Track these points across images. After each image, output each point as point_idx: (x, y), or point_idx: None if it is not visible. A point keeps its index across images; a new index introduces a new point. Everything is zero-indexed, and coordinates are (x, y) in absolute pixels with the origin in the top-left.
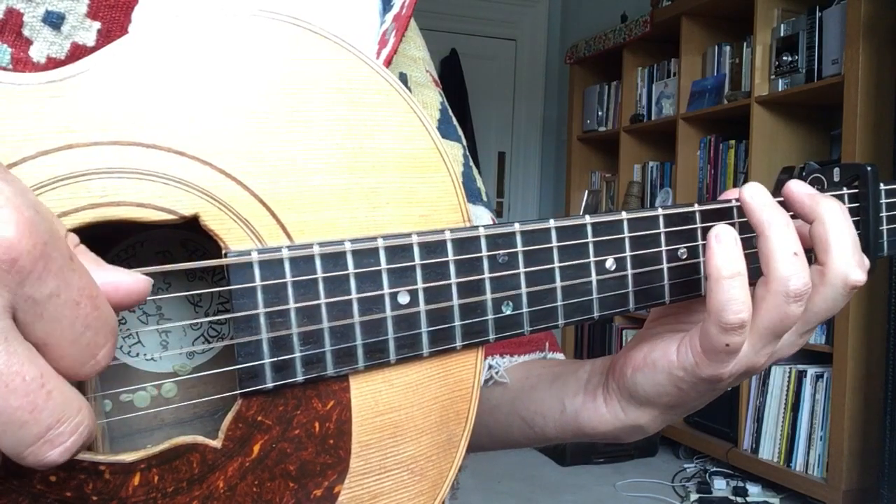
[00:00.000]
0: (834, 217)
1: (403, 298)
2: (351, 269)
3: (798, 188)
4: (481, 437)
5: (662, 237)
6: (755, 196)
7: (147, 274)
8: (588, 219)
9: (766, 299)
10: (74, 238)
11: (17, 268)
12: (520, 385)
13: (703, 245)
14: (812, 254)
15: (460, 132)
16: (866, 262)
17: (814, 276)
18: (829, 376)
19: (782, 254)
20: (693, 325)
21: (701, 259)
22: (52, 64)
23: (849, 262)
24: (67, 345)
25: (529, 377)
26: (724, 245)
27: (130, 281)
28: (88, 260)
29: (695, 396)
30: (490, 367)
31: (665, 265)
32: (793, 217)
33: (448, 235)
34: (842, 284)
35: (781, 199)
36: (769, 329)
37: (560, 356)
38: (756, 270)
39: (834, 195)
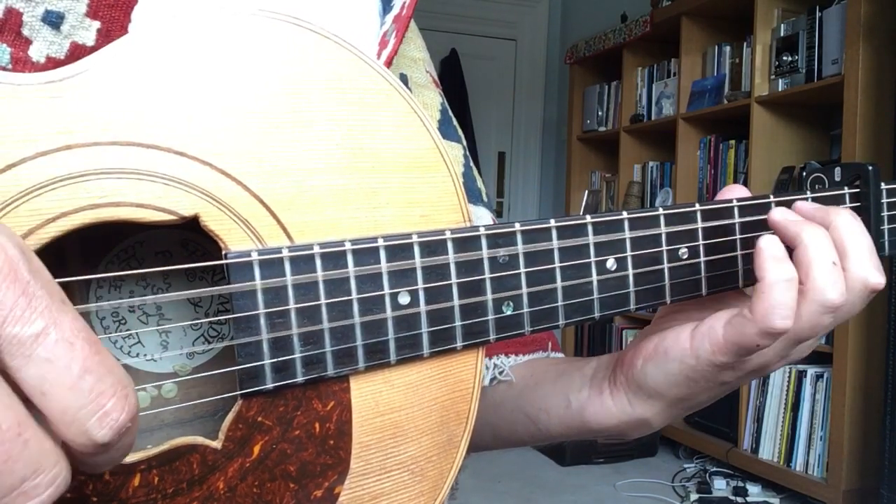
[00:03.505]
0: (847, 224)
1: (404, 299)
2: (351, 269)
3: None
4: (485, 436)
5: (663, 237)
6: (785, 213)
7: (147, 274)
8: (589, 218)
9: (801, 307)
10: None
11: None
12: (524, 382)
13: (704, 245)
14: None
15: (460, 133)
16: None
17: None
18: (829, 376)
19: (821, 261)
20: (703, 317)
21: (702, 259)
22: (52, 64)
23: (868, 266)
24: (66, 391)
25: (534, 374)
26: (774, 251)
27: None
28: None
29: (704, 388)
30: (495, 366)
31: (666, 265)
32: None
33: (449, 235)
34: (861, 288)
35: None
36: (796, 336)
37: (560, 355)
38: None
39: (835, 195)
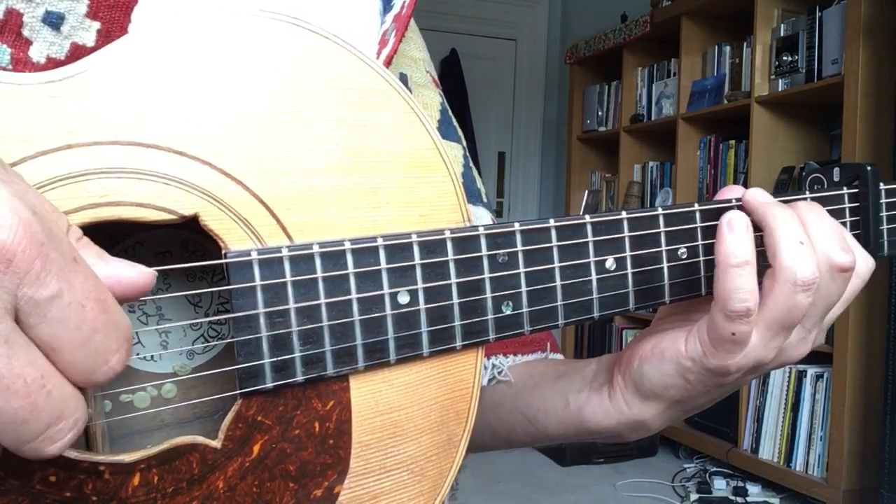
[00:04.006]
0: (805, 211)
1: (403, 298)
2: (351, 268)
3: (759, 196)
4: (484, 436)
5: (662, 237)
6: (757, 195)
7: None
8: (588, 218)
9: (774, 290)
10: (77, 231)
11: (13, 268)
12: (523, 383)
13: (703, 245)
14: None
15: (460, 133)
16: (858, 249)
17: None
18: (829, 376)
19: (788, 242)
20: (702, 318)
21: (701, 258)
22: (52, 64)
23: (830, 246)
24: (76, 349)
25: (533, 375)
26: (735, 232)
27: (133, 274)
28: (92, 253)
29: (701, 391)
30: (493, 366)
31: (665, 265)
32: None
33: (448, 235)
34: (827, 269)
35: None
36: (777, 321)
37: (559, 356)
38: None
39: (834, 195)
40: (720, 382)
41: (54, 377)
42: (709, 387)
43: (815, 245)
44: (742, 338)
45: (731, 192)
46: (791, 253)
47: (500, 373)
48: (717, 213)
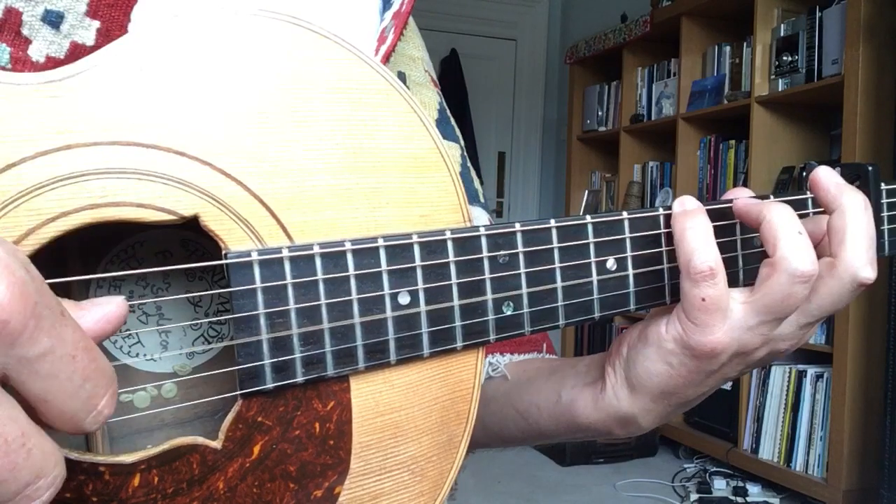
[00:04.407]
0: (856, 210)
1: (404, 299)
2: (351, 269)
3: (826, 174)
4: (476, 432)
5: (663, 237)
6: (745, 199)
7: (147, 274)
8: (589, 219)
9: (772, 277)
10: None
11: (8, 330)
12: (517, 378)
13: None
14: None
15: (458, 133)
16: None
17: (822, 268)
18: (829, 376)
19: (787, 231)
20: None
21: None
22: (52, 63)
23: (861, 258)
24: (67, 399)
25: (527, 371)
26: (686, 205)
27: (114, 309)
28: (69, 305)
29: (686, 378)
30: (489, 363)
31: (666, 265)
32: (816, 210)
33: (449, 235)
34: (850, 279)
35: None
36: (769, 307)
37: (554, 357)
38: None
39: None
40: (706, 368)
41: (35, 434)
42: (693, 373)
43: (847, 250)
44: (714, 303)
45: (738, 192)
46: (788, 242)
47: (495, 370)
48: (717, 214)
